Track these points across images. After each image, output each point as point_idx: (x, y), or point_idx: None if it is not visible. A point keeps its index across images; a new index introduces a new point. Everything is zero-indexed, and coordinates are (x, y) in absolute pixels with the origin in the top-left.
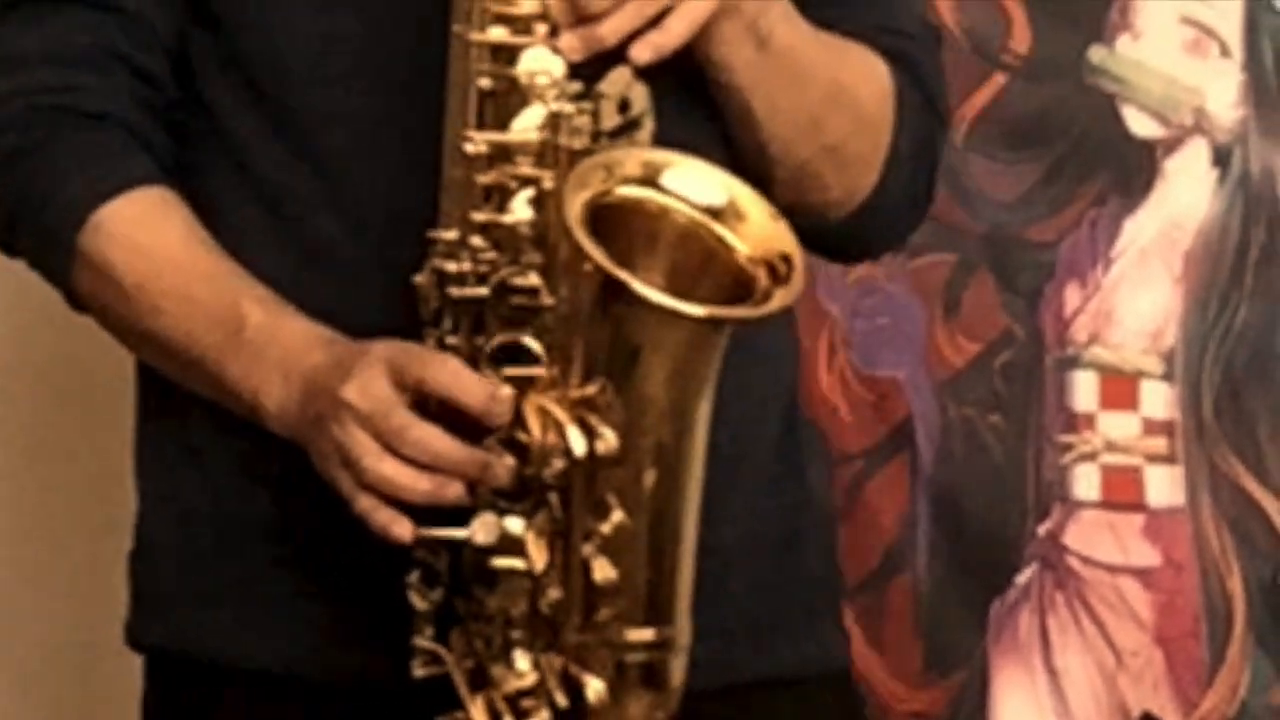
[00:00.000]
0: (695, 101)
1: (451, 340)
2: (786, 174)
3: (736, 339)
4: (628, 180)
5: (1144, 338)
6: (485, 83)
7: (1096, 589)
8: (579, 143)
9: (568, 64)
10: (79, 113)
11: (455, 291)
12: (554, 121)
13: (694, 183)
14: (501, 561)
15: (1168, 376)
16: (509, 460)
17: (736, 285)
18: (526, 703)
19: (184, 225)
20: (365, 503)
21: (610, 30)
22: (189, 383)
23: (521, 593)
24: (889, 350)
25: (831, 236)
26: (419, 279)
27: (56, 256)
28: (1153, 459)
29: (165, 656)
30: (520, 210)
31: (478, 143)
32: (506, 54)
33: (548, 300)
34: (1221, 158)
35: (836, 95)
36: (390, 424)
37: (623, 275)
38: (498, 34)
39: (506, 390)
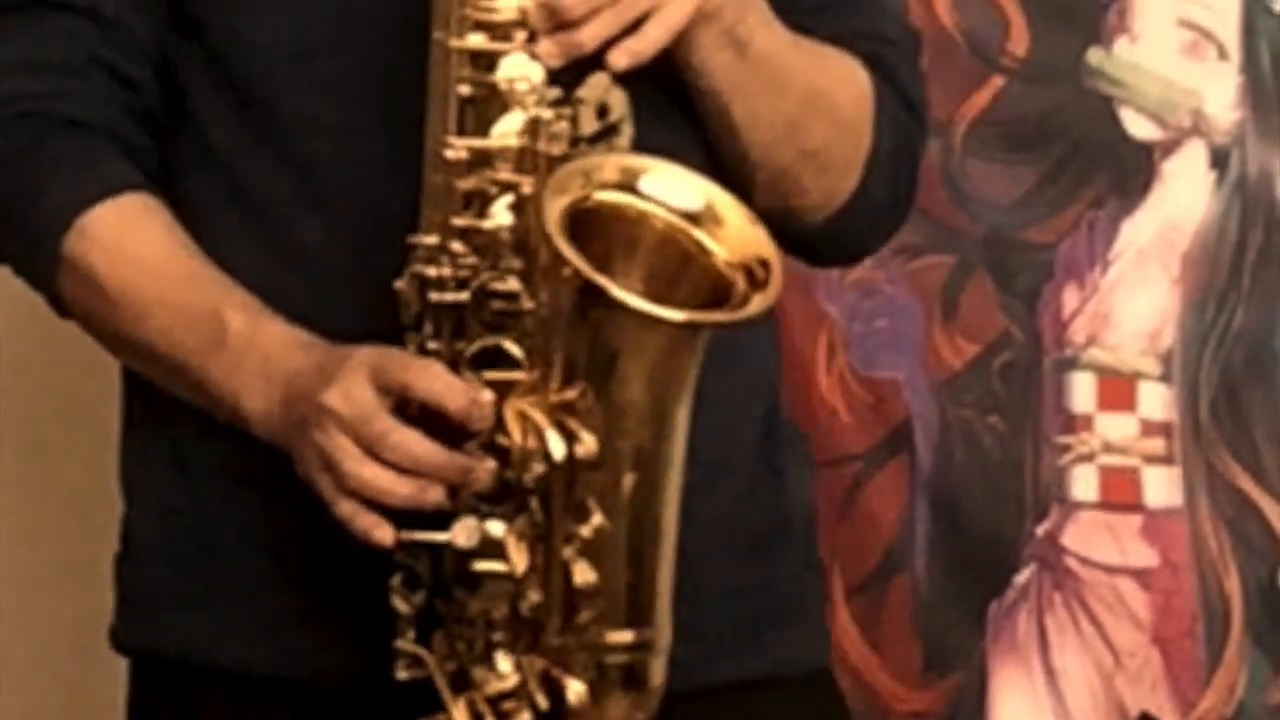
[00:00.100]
0: (674, 107)
1: (432, 345)
2: (766, 179)
3: (716, 343)
4: (606, 186)
5: (1142, 339)
6: (465, 89)
7: (1094, 589)
8: (558, 148)
9: (547, 70)
10: (62, 119)
11: (436, 296)
12: (533, 127)
13: (672, 188)
14: (482, 565)
15: (1165, 378)
16: (490, 464)
17: (715, 290)
18: (508, 704)
19: (166, 231)
20: (346, 507)
21: (588, 37)
22: (173, 387)
23: (502, 595)
24: (888, 352)
25: (812, 240)
26: (400, 284)
27: (41, 263)
28: (1150, 460)
29: (151, 659)
30: (500, 216)
31: (458, 148)
32: (486, 60)
33: (528, 305)
34: (1219, 160)
35: (815, 100)
36: (372, 429)
37: (601, 280)
38: (477, 41)
39: (487, 395)
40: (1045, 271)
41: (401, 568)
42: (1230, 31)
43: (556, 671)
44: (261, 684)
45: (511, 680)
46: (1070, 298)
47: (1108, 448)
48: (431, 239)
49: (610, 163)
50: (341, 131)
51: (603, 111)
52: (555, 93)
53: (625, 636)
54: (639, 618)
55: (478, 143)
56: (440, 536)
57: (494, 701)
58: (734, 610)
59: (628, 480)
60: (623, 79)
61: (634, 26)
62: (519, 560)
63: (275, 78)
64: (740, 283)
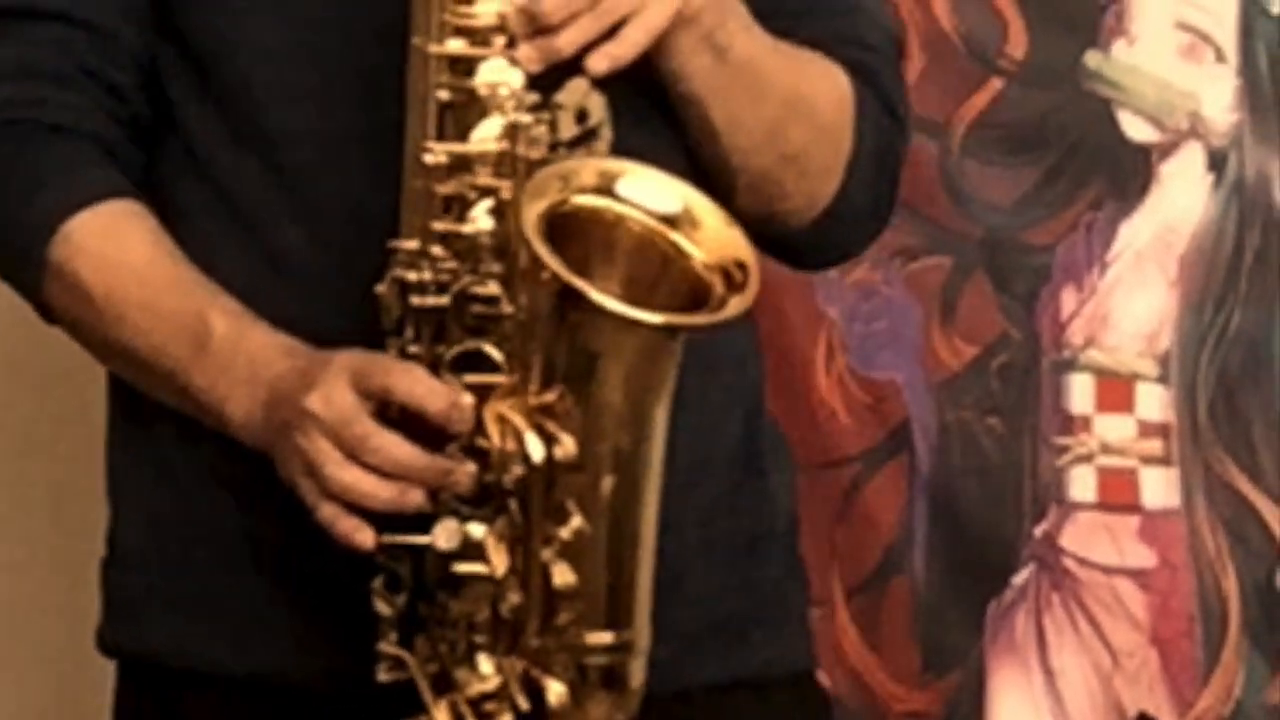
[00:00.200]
0: (653, 111)
1: (413, 349)
2: (747, 183)
3: (696, 346)
4: (584, 189)
5: (1139, 340)
6: (444, 94)
7: (1092, 590)
8: (537, 153)
9: (526, 75)
10: (48, 127)
11: (416, 301)
12: (512, 132)
13: (649, 191)
14: (463, 567)
15: (1163, 379)
16: (470, 467)
17: (693, 292)
18: (489, 706)
19: (151, 237)
20: (328, 510)
21: (567, 41)
22: (157, 393)
23: (483, 597)
24: (887, 353)
25: (795, 244)
26: (380, 288)
27: (27, 269)
28: (1148, 461)
29: (137, 662)
30: (480, 220)
31: (437, 153)
32: (465, 66)
33: (507, 309)
34: (1216, 162)
35: (796, 105)
36: (353, 432)
37: (579, 283)
38: (456, 46)
39: (468, 398)
40: (1043, 273)
41: (383, 570)
42: (1228, 34)
43: (536, 673)
44: (247, 687)
45: (492, 682)
46: (1068, 299)
47: (1106, 449)
48: (412, 243)
49: (588, 167)
50: (325, 138)
51: (581, 116)
52: (534, 97)
53: (605, 638)
54: (618, 619)
55: (457, 147)
56: (421, 539)
57: (475, 703)
58: (716, 612)
59: (607, 482)
60: (602, 83)
61: (612, 31)
62: (499, 562)
63: (259, 85)
64: (718, 285)
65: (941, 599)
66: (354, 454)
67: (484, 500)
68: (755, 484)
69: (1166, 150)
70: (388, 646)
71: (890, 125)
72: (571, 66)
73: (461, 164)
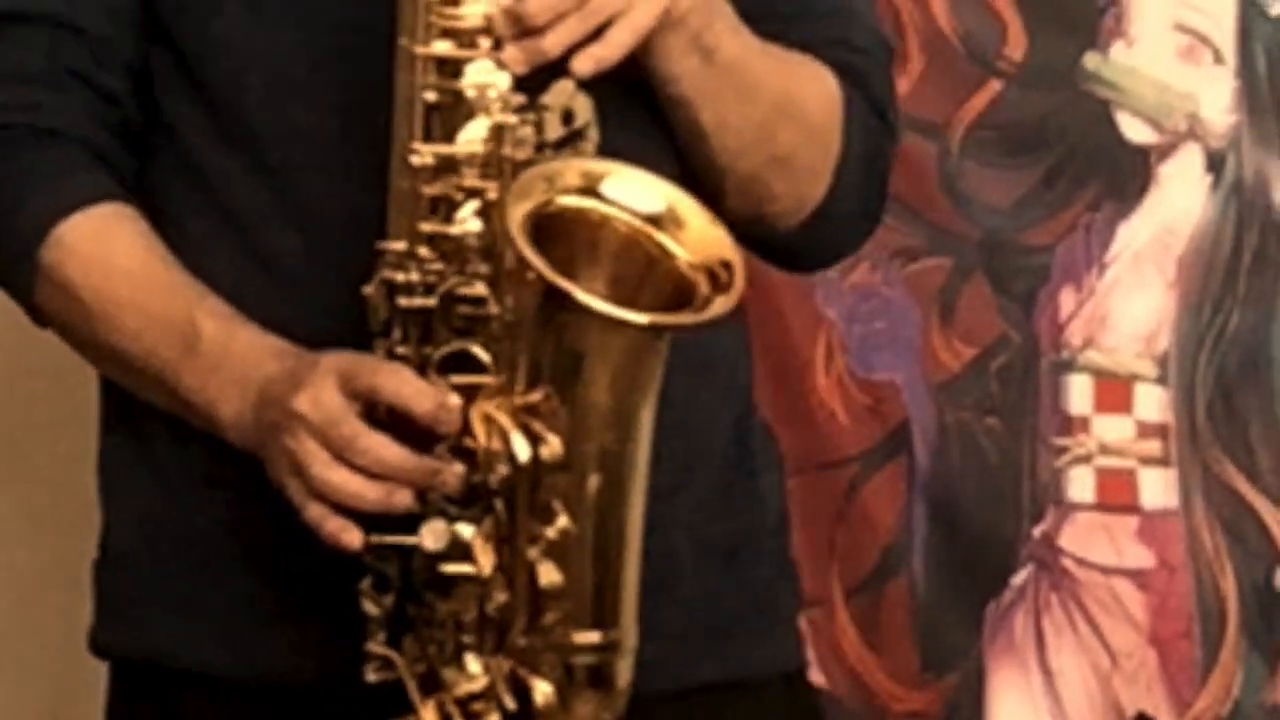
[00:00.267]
0: (640, 111)
1: (401, 350)
2: (735, 185)
3: (685, 347)
4: (569, 190)
5: (1138, 341)
6: (431, 95)
7: (1091, 590)
8: (523, 154)
9: (512, 76)
10: (39, 131)
11: (404, 302)
12: (498, 133)
13: (633, 191)
14: (450, 567)
15: (1161, 380)
16: (458, 467)
17: (678, 292)
18: (477, 706)
19: (142, 240)
20: (315, 511)
21: (552, 43)
22: (148, 395)
23: (471, 597)
24: (886, 354)
25: (783, 246)
26: (368, 289)
27: (18, 272)
28: (1146, 461)
29: (130, 663)
30: (466, 221)
31: (424, 154)
32: (452, 67)
33: (494, 309)
34: (1215, 163)
35: (784, 107)
36: (340, 433)
37: (564, 284)
38: (443, 47)
39: (454, 398)
40: (1042, 274)
41: (371, 571)
42: (1226, 36)
43: (523, 672)
44: (239, 687)
45: (480, 682)
46: (1067, 300)
47: (1104, 449)
48: (399, 245)
49: (572, 168)
50: (314, 140)
51: (568, 117)
52: (520, 99)
53: (591, 637)
54: (605, 618)
55: (444, 149)
56: (409, 539)
57: (463, 703)
58: (706, 612)
59: (592, 481)
60: (588, 84)
61: (598, 33)
62: (485, 562)
63: (248, 87)
64: (703, 285)
65: (941, 599)
66: (341, 454)
67: (472, 500)
68: (745, 485)
69: (1165, 151)
70: (376, 647)
71: (879, 127)
72: (558, 68)
73: (448, 165)
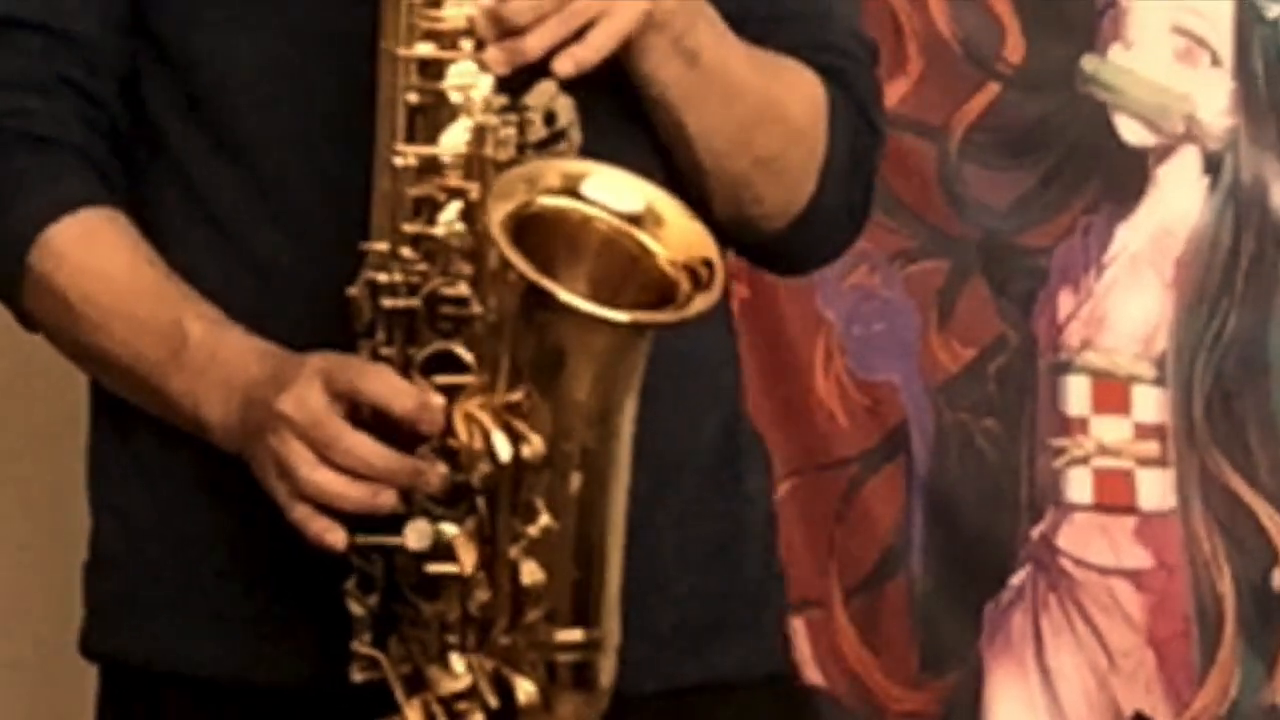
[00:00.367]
0: (622, 113)
1: (385, 351)
2: (720, 187)
3: (670, 351)
4: (549, 191)
5: (1136, 343)
6: (413, 97)
7: (1089, 590)
8: (505, 155)
9: (494, 78)
10: (29, 136)
11: (388, 302)
12: (480, 135)
13: (613, 191)
14: (434, 566)
15: (1159, 381)
16: (441, 468)
17: (660, 290)
18: (461, 705)
19: (130, 244)
20: (300, 512)
21: (533, 44)
22: (136, 399)
23: (454, 596)
24: (884, 355)
25: (770, 248)
26: (352, 291)
27: (7, 277)
28: (1144, 462)
29: (119, 665)
30: (449, 222)
31: (407, 156)
32: (434, 69)
33: (477, 310)
34: (1212, 165)
35: (768, 109)
36: (324, 433)
37: (545, 282)
38: (425, 49)
39: (437, 398)
40: (1040, 276)
41: (355, 571)
42: (1223, 38)
43: (507, 671)
44: (229, 689)
45: (464, 680)
46: (1065, 302)
47: (1102, 450)
48: (382, 245)
49: (553, 168)
50: (300, 145)
51: (550, 118)
52: (502, 100)
53: (574, 635)
54: (587, 616)
55: (426, 150)
56: (393, 540)
57: (447, 702)
58: (693, 613)
59: (574, 480)
60: (571, 86)
61: (579, 34)
62: (468, 561)
63: (236, 92)
64: (684, 283)
65: (939, 599)
66: (325, 455)
67: (455, 500)
68: (732, 487)
69: (1163, 153)
70: (361, 646)
71: (865, 129)
72: (541, 69)
73: (431, 166)
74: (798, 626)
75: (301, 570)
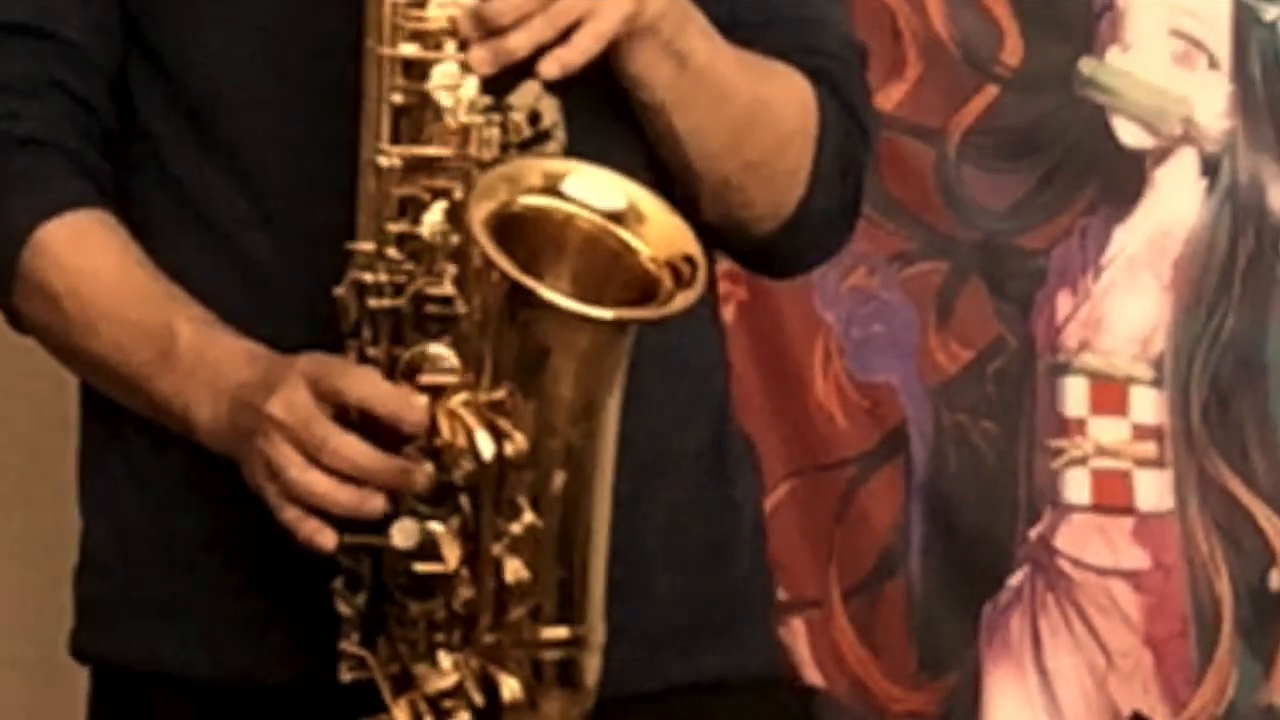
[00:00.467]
0: (607, 113)
1: (372, 351)
2: (710, 190)
3: (659, 353)
4: (531, 190)
5: (1134, 344)
6: (398, 98)
7: (1087, 591)
8: (489, 155)
9: (480, 78)
10: (19, 139)
11: (374, 302)
12: (464, 135)
13: (594, 189)
14: (420, 565)
15: (1157, 382)
16: (427, 467)
17: (642, 287)
18: (448, 703)
19: (120, 246)
20: (291, 514)
21: (518, 43)
22: (126, 401)
23: (441, 595)
24: (883, 357)
25: (760, 251)
26: (339, 291)
27: None
28: (1142, 463)
29: (110, 667)
30: (434, 222)
31: (391, 156)
32: (418, 69)
33: (462, 309)
34: (1210, 167)
35: (758, 112)
36: (312, 435)
37: (528, 281)
38: (409, 50)
39: (421, 398)
40: (1038, 277)
41: (343, 570)
42: (1221, 41)
43: (492, 669)
44: (218, 690)
45: (450, 678)
46: (1063, 303)
47: (1100, 451)
48: (367, 245)
49: (534, 168)
50: (288, 148)
51: (534, 118)
52: (486, 100)
53: (558, 632)
54: (571, 614)
55: (411, 150)
56: (380, 540)
57: (434, 701)
58: (681, 615)
59: (558, 478)
60: (555, 86)
61: (564, 36)
62: (452, 558)
63: (223, 96)
64: (666, 280)
65: (938, 600)
66: (314, 456)
67: (442, 499)
68: (721, 490)
69: (1160, 156)
70: (349, 646)
71: (854, 132)
72: (524, 70)
73: (415, 167)
74: (797, 627)
75: (290, 571)
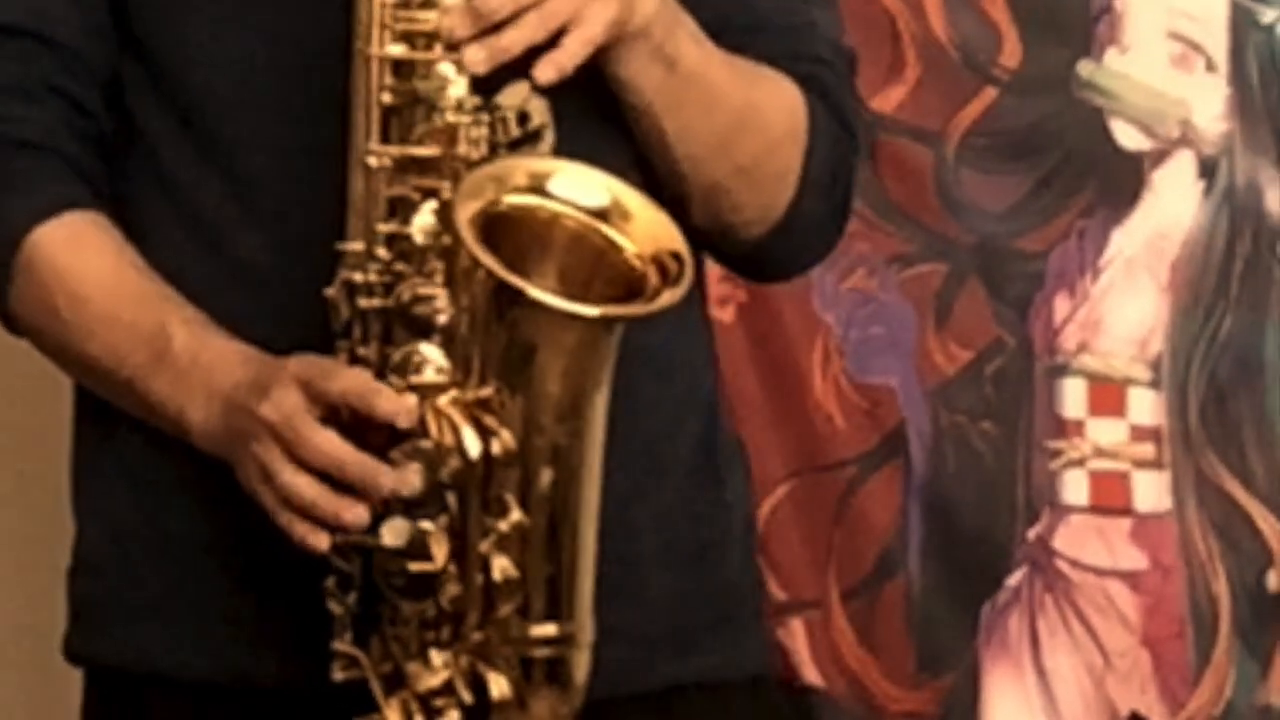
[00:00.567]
0: (595, 113)
1: (362, 351)
2: (699, 194)
3: (648, 355)
4: (516, 189)
5: (1132, 346)
6: (387, 98)
7: (1085, 591)
8: (478, 155)
9: (470, 78)
10: (13, 141)
11: (364, 302)
12: (453, 135)
13: (578, 187)
14: (410, 563)
15: (1155, 384)
16: (417, 466)
17: (628, 284)
18: (438, 702)
19: (115, 248)
20: (284, 516)
21: (513, 40)
22: (120, 403)
23: (431, 593)
24: (882, 358)
25: (748, 256)
26: (330, 291)
27: None
28: (1140, 464)
29: (104, 669)
30: (423, 221)
31: (381, 156)
32: (408, 69)
33: (451, 308)
34: (1207, 170)
35: (747, 116)
36: (293, 431)
37: (515, 280)
38: (398, 50)
39: (411, 398)
40: (1037, 279)
41: (334, 569)
42: (1218, 43)
43: (481, 667)
44: (212, 691)
45: (440, 676)
46: (1061, 305)
47: (1098, 452)
48: (357, 245)
49: (520, 167)
50: (281, 150)
51: (523, 119)
52: (476, 100)
53: (547, 630)
54: (560, 611)
55: (401, 150)
56: (371, 539)
57: (424, 700)
58: (673, 615)
59: (545, 475)
60: (544, 87)
61: (554, 41)
62: (440, 556)
63: (217, 98)
64: (652, 276)
65: (936, 600)
66: (294, 453)
67: (432, 498)
68: (713, 490)
69: (1158, 158)
70: (341, 645)
71: (843, 138)
72: (512, 70)
73: (405, 167)
74: (796, 627)
75: (283, 572)
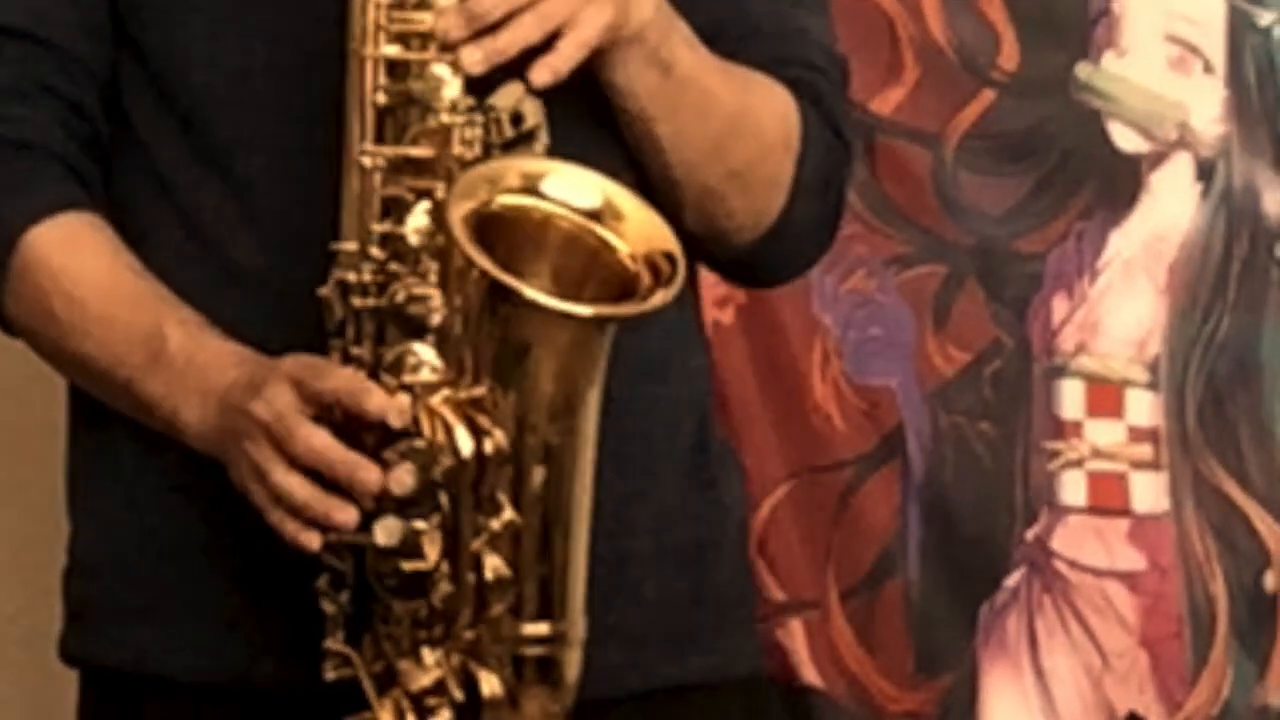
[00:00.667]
0: (589, 114)
1: (356, 351)
2: (692, 199)
3: (643, 356)
4: (510, 190)
5: (1129, 347)
6: (382, 98)
7: (1083, 592)
8: (472, 156)
9: (464, 79)
10: (9, 142)
11: (358, 302)
12: (447, 135)
13: (571, 188)
14: (403, 562)
15: (1153, 385)
16: (409, 466)
17: (621, 285)
18: (430, 701)
19: (111, 249)
20: (277, 515)
21: (509, 40)
22: (116, 403)
23: (424, 591)
24: (881, 360)
25: (740, 261)
26: (323, 291)
27: None
28: (1138, 465)
29: (98, 670)
30: (417, 221)
31: (375, 157)
32: (402, 70)
33: (444, 308)
34: (1205, 172)
35: (740, 122)
36: (286, 430)
37: (509, 280)
38: (392, 50)
39: (403, 397)
40: (1035, 281)
41: (327, 568)
42: (1216, 46)
43: (473, 665)
44: (207, 691)
45: (432, 675)
46: (1059, 307)
47: (1096, 453)
48: (351, 245)
49: (513, 168)
50: (276, 151)
51: (517, 119)
52: (470, 101)
53: (539, 629)
54: (552, 610)
55: (395, 151)
56: (364, 538)
57: (416, 699)
58: (667, 616)
59: (537, 474)
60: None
61: (548, 44)
62: (433, 556)
63: (212, 99)
64: (645, 277)
65: (935, 601)
66: (283, 449)
67: (424, 497)
68: (708, 492)
69: (1156, 160)
70: (334, 644)
71: (835, 144)
72: (506, 71)
73: (399, 167)
74: (795, 627)
75: (276, 571)
